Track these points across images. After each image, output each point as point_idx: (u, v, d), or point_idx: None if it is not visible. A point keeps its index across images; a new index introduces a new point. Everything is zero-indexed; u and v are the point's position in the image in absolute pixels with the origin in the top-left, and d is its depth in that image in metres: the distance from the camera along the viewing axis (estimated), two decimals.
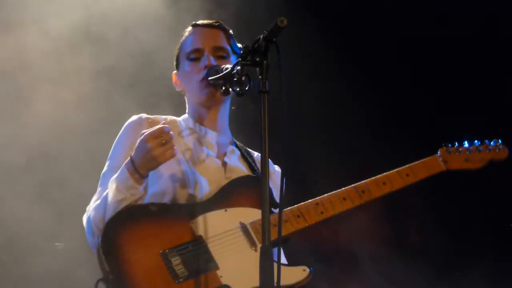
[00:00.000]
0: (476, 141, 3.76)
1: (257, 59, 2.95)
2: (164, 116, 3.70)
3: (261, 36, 2.93)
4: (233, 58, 3.64)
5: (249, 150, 3.81)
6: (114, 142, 3.60)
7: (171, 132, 3.23)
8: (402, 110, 6.01)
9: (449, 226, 6.02)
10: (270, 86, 2.91)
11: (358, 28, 5.93)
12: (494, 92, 5.96)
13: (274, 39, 2.90)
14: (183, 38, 3.72)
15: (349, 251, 5.95)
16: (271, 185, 3.60)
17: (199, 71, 3.55)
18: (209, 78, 3.45)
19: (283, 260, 3.65)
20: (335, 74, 5.90)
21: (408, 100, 6.01)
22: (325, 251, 5.73)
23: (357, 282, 5.88)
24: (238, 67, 3.11)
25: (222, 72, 3.33)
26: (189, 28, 3.73)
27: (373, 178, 3.58)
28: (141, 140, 3.23)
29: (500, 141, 3.76)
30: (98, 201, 3.38)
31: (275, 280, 2.81)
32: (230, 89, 3.28)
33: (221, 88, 3.35)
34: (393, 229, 5.98)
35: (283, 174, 3.09)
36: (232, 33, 3.73)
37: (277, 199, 3.48)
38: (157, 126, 3.24)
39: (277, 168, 3.80)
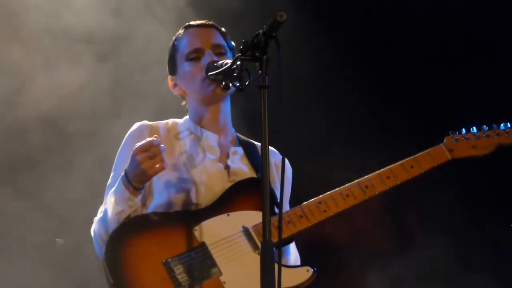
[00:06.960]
0: (484, 126, 3.62)
1: (257, 54, 2.94)
2: (165, 121, 3.70)
3: (261, 31, 2.92)
4: (230, 54, 3.65)
5: (254, 142, 3.75)
6: (118, 153, 3.63)
7: (161, 145, 3.22)
8: (411, 101, 5.89)
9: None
10: (269, 80, 2.90)
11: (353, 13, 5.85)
12: None
13: (274, 34, 2.89)
14: (177, 41, 3.70)
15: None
16: (274, 185, 3.58)
17: (202, 69, 3.54)
18: (209, 74, 3.44)
19: (297, 259, 3.64)
20: (337, 65, 5.84)
21: (416, 90, 5.89)
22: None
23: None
24: (238, 62, 3.11)
25: (222, 67, 3.33)
26: (181, 31, 3.72)
27: (376, 172, 3.50)
28: (132, 153, 3.26)
29: (509, 124, 3.59)
30: (102, 214, 3.43)
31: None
32: (230, 84, 3.27)
33: (221, 83, 3.35)
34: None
35: (282, 170, 2.98)
36: (224, 30, 3.73)
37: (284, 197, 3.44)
38: (147, 139, 3.24)
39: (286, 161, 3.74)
